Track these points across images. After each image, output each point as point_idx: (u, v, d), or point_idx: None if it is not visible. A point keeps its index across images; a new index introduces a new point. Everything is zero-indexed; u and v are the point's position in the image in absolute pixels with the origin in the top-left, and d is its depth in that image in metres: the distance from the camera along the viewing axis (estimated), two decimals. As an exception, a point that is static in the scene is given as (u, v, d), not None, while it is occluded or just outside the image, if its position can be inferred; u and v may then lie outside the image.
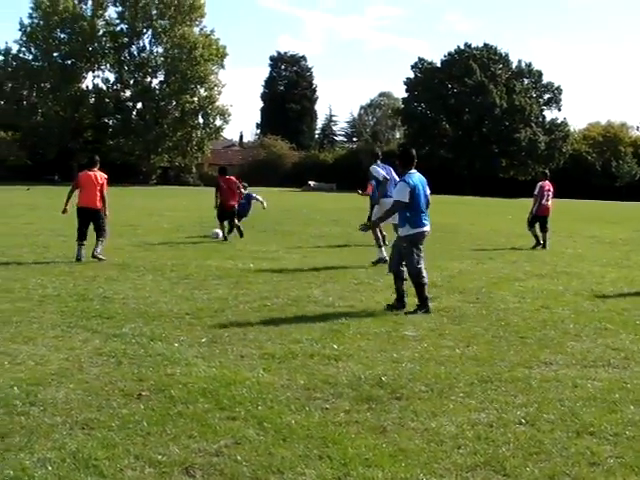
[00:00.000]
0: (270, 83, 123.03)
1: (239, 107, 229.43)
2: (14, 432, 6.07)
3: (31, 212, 32.69)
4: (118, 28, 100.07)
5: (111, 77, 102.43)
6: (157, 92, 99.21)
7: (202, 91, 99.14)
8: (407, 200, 11.28)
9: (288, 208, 39.68)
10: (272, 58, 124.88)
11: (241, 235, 22.25)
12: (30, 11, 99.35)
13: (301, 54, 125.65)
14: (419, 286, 11.41)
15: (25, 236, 21.72)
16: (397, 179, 14.42)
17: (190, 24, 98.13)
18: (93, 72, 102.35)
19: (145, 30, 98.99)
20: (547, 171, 24.52)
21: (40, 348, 8.71)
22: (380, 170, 17.29)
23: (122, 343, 8.97)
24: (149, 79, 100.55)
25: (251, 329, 9.90)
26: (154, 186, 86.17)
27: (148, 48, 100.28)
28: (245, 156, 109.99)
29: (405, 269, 11.52)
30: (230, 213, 22.32)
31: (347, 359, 8.48)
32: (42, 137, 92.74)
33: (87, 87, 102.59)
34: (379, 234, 17.30)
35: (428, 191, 11.84)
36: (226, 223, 22.33)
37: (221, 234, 21.92)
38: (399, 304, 11.56)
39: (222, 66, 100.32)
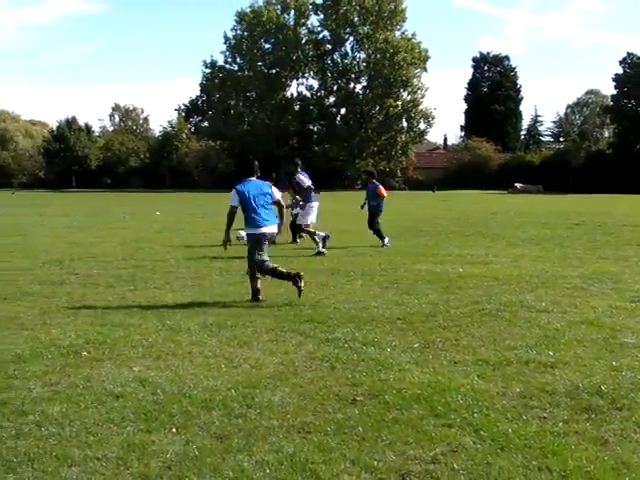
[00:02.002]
0: (473, 84, 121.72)
1: (443, 110, 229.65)
2: (233, 434, 6.18)
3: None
4: (320, 36, 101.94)
5: (315, 84, 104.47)
6: (360, 97, 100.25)
7: (405, 95, 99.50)
8: (236, 204, 12.62)
9: (495, 211, 39.18)
10: (475, 59, 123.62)
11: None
12: (234, 23, 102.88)
13: (504, 54, 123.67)
14: (271, 273, 12.72)
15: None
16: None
17: (391, 29, 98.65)
18: (297, 80, 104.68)
19: (347, 36, 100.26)
20: None
21: (255, 351, 8.87)
22: (303, 178, 20.26)
23: (335, 348, 9.01)
24: (352, 85, 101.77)
25: (463, 335, 9.74)
26: (359, 191, 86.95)
27: (350, 54, 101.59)
28: (449, 159, 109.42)
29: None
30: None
31: (563, 367, 8.18)
32: (249, 145, 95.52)
33: (291, 95, 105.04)
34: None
35: (277, 195, 12.93)
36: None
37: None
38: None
39: (425, 69, 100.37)
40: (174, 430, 6.28)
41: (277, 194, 13.01)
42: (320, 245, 19.34)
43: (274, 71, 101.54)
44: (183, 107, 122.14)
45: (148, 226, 29.20)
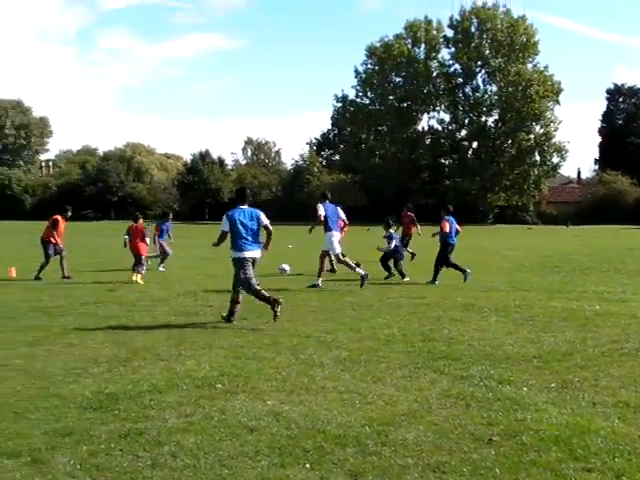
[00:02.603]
0: (608, 117, 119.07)
1: (576, 143, 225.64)
2: (367, 472, 6.12)
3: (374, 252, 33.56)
4: (452, 69, 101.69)
5: (446, 117, 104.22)
6: (492, 131, 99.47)
7: (538, 128, 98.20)
8: (227, 229, 13.75)
9: (631, 246, 38.16)
10: (609, 91, 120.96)
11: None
12: (365, 58, 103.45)
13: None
14: (255, 294, 13.81)
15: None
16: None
17: (523, 61, 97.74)
18: (428, 113, 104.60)
19: (478, 69, 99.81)
20: None
21: (389, 388, 8.79)
22: (320, 206, 19.94)
23: (470, 385, 8.86)
24: (484, 118, 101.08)
25: (602, 375, 9.43)
26: (491, 225, 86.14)
27: (482, 87, 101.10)
28: (583, 193, 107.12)
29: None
30: None
31: None
32: (380, 178, 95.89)
33: (423, 128, 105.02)
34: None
35: (264, 220, 13.97)
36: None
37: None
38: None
39: (557, 102, 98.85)
40: (308, 466, 6.25)
41: (265, 220, 13.98)
42: (359, 270, 19.20)
43: (405, 104, 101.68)
44: (314, 140, 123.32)
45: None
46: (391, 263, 21.87)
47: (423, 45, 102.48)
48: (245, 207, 13.97)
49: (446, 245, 21.07)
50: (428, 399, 8.27)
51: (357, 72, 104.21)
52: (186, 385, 8.89)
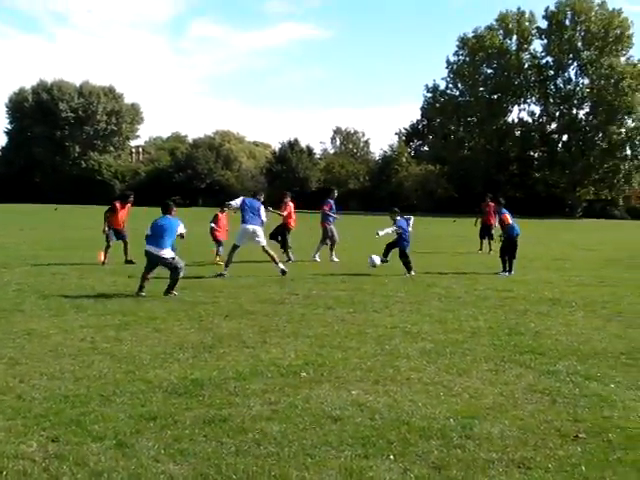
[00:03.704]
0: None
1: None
2: (451, 465, 6.10)
3: (461, 243, 33.46)
4: (543, 61, 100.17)
5: (536, 110, 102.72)
6: (583, 124, 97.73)
7: (630, 122, 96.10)
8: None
9: None
10: None
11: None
12: (456, 49, 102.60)
13: None
14: None
15: (455, 267, 22.15)
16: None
17: (617, 54, 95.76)
18: (518, 105, 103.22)
19: (570, 62, 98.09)
20: None
21: (474, 381, 8.74)
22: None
23: (556, 381, 8.76)
24: (574, 111, 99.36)
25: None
26: (579, 219, 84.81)
27: (574, 80, 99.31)
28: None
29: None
30: None
31: None
32: (468, 170, 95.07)
33: (512, 120, 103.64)
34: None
35: (181, 229, 16.32)
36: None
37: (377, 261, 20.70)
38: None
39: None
40: (392, 457, 6.25)
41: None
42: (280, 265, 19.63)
43: (495, 96, 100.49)
44: (404, 131, 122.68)
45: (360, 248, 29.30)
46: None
47: (515, 37, 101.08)
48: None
49: (513, 236, 20.94)
50: (514, 393, 8.21)
51: (449, 63, 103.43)
52: (271, 373, 8.95)
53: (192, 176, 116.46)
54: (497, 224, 24.36)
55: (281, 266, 19.48)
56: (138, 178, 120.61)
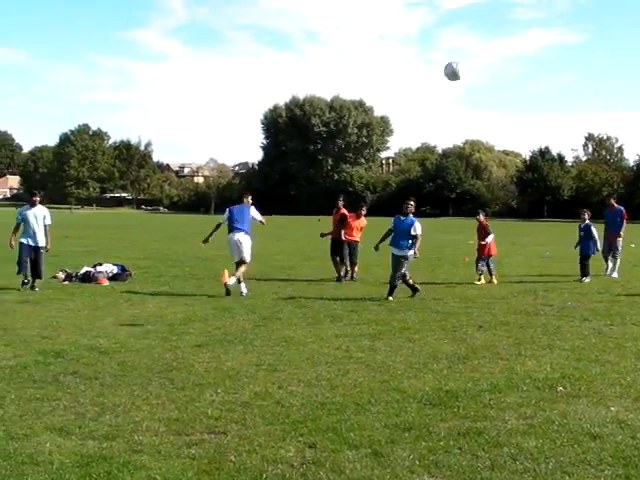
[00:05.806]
0: None
1: None
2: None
3: None
4: None
5: None
6: None
7: None
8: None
9: None
10: None
11: None
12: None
13: None
14: None
15: None
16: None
17: None
18: None
19: None
20: None
21: None
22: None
23: None
24: None
25: None
26: None
27: None
28: None
29: None
30: None
31: None
32: None
33: None
34: None
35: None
36: None
37: None
38: None
39: None
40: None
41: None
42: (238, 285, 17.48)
43: None
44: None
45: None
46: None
47: None
48: None
49: None
50: None
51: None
52: (526, 386, 8.77)
53: (442, 186, 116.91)
54: None
55: (242, 288, 17.52)
56: (389, 189, 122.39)
